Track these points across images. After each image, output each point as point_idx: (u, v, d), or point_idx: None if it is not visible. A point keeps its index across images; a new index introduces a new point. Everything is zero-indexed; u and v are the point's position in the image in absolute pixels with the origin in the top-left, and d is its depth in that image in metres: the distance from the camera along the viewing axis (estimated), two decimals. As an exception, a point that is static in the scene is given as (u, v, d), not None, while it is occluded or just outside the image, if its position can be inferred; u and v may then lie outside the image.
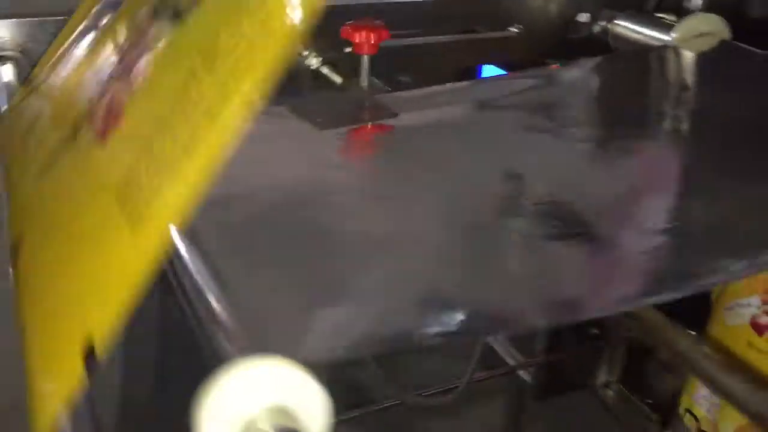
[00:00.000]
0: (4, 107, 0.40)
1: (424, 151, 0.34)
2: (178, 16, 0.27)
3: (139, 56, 0.28)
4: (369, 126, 0.38)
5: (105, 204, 0.23)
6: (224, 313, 0.22)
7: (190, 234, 0.24)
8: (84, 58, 0.34)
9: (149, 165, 0.22)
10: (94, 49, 0.34)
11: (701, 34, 0.49)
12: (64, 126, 0.31)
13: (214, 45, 0.22)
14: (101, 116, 0.27)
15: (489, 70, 0.54)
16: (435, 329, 0.22)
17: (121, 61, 0.30)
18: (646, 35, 0.51)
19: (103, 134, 0.26)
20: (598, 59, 0.46)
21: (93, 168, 0.26)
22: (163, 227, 0.20)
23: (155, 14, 0.29)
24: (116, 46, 0.32)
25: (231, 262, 0.24)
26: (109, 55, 0.32)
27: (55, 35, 0.41)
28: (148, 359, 0.52)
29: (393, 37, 0.41)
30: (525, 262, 0.26)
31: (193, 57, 0.23)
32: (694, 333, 0.41)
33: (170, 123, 0.23)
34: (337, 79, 0.41)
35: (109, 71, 0.30)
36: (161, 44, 0.27)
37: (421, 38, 0.49)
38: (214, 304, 0.22)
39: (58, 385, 0.21)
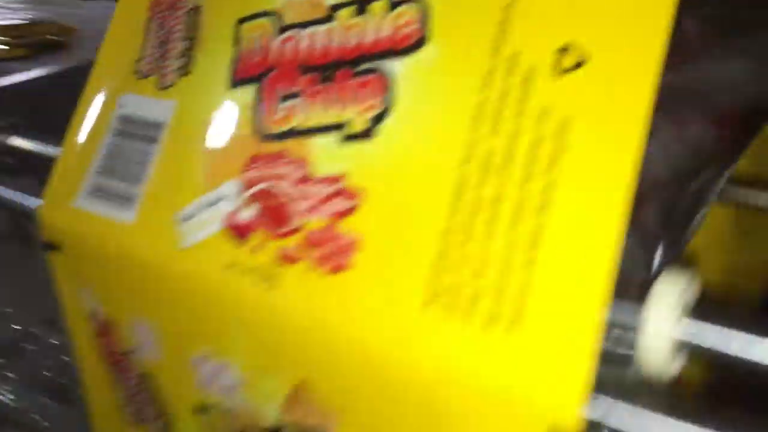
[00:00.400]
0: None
1: None
2: (354, 136, 0.26)
3: (302, 181, 0.27)
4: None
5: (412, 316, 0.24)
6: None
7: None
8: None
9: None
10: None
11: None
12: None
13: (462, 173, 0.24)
14: (317, 248, 0.25)
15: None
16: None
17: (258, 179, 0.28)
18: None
19: (340, 267, 0.25)
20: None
21: (354, 301, 0.24)
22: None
23: (301, 134, 0.28)
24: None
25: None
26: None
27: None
28: None
29: None
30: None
31: (444, 172, 0.24)
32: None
33: (454, 229, 0.24)
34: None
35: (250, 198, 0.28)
36: (341, 163, 0.26)
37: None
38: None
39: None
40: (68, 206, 0.34)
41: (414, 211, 0.24)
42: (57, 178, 0.35)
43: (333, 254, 0.26)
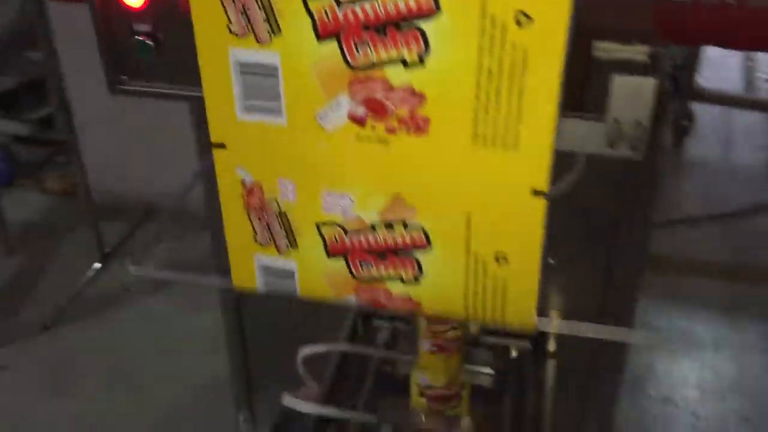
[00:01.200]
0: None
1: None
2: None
3: (386, 90, 0.54)
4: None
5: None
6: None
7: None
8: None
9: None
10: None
11: None
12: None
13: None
14: (407, 122, 0.54)
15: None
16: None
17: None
18: None
19: (420, 129, 0.54)
20: None
21: (435, 149, 0.54)
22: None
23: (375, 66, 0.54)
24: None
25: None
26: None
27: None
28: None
29: None
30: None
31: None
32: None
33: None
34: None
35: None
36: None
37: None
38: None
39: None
40: (231, 119, 0.58)
41: (460, 90, 0.53)
42: (211, 107, 0.58)
43: (415, 129, 0.54)
